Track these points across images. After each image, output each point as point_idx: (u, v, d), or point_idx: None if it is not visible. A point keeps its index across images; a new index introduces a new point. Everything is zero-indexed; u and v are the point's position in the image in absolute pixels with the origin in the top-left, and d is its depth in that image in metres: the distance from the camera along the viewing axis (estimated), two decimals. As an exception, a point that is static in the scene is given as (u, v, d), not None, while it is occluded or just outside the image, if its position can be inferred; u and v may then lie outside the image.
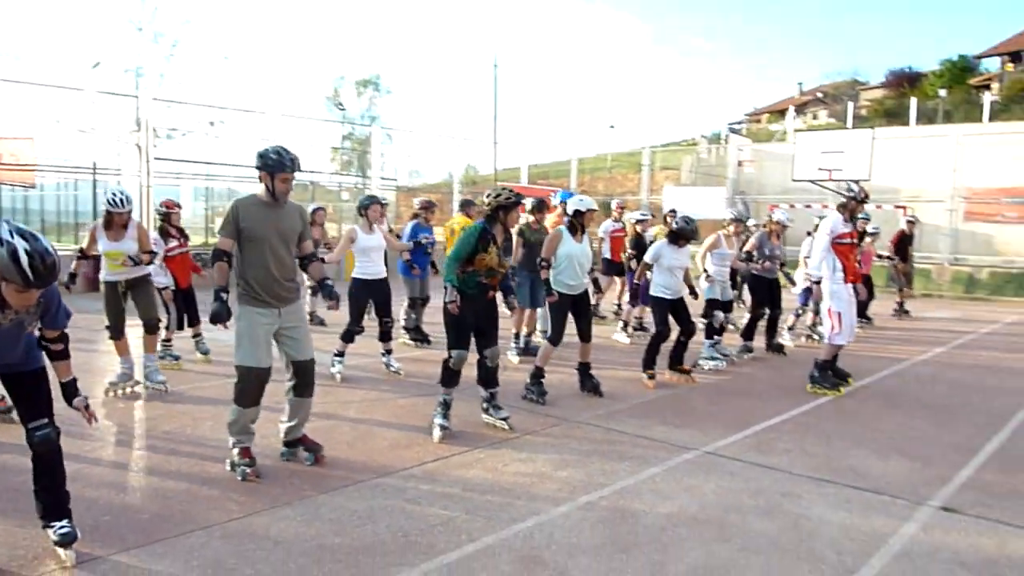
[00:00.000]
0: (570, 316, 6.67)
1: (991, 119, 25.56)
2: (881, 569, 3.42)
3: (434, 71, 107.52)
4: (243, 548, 3.51)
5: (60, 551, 3.36)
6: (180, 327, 7.83)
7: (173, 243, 7.77)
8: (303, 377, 4.64)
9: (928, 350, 9.74)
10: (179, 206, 8.45)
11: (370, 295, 7.32)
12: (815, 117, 58.23)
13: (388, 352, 7.50)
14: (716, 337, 8.34)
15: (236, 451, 4.48)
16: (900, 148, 19.41)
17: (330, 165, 36.97)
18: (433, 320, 10.34)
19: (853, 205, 7.16)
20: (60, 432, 3.43)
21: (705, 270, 8.43)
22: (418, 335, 9.18)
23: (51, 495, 3.42)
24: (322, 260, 5.17)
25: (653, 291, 7.40)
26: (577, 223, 6.71)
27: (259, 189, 4.47)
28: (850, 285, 7.14)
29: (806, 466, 4.87)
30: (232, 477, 4.43)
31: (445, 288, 5.32)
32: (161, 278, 7.52)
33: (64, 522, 3.39)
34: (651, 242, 9.05)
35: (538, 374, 6.53)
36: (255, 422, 4.55)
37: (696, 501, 4.21)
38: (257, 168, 4.40)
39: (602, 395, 6.63)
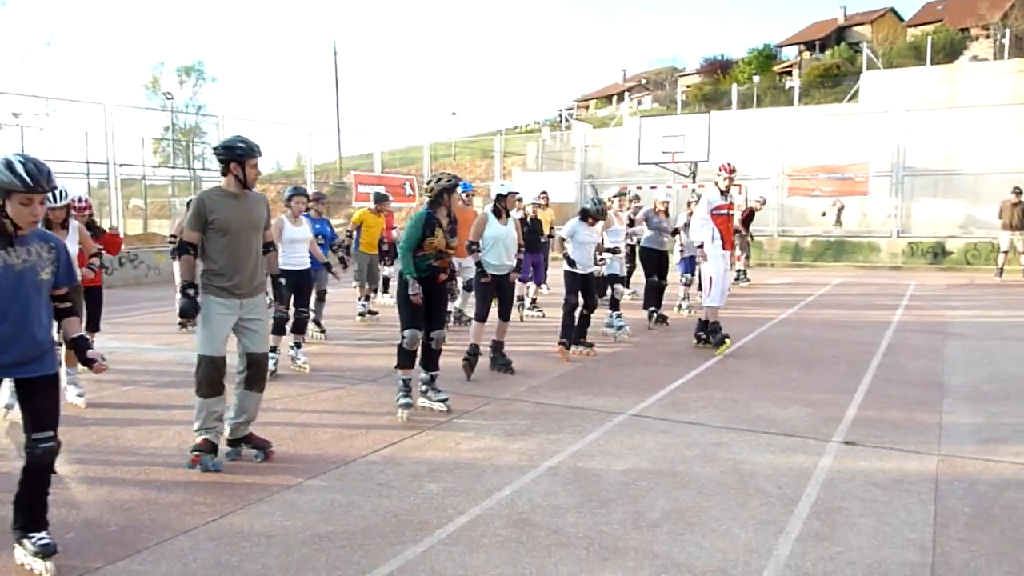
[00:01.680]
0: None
1: (795, 103, 28.44)
2: (816, 495, 3.99)
3: (269, 58, 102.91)
4: (238, 546, 3.50)
5: (38, 564, 3.22)
6: (95, 328, 7.29)
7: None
8: (257, 370, 4.63)
9: (781, 312, 10.90)
10: (88, 204, 7.78)
11: (293, 285, 7.17)
12: (639, 103, 61.50)
13: (297, 345, 7.43)
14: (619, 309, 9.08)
15: (198, 439, 4.48)
16: (730, 131, 21.17)
17: (152, 158, 34.73)
18: (334, 315, 10.27)
19: (723, 181, 8.02)
20: (61, 444, 3.30)
21: (607, 248, 8.99)
22: (317, 327, 9.09)
23: (35, 504, 3.29)
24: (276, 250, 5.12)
25: (568, 266, 7.84)
26: (501, 206, 7.05)
27: (221, 181, 4.51)
28: (726, 252, 8.02)
29: (722, 419, 5.46)
30: (189, 481, 4.33)
31: (405, 279, 5.51)
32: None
33: (43, 533, 3.28)
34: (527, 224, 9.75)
35: (473, 350, 6.88)
36: (223, 418, 4.55)
37: (644, 457, 4.64)
38: (223, 160, 4.41)
39: (513, 372, 6.96)
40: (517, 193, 7.28)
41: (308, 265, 7.53)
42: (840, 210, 20.74)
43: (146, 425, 5.51)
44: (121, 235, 7.87)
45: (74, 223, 5.96)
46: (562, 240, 7.95)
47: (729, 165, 8.08)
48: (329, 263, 8.71)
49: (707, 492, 4.07)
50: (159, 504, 4.03)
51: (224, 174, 4.46)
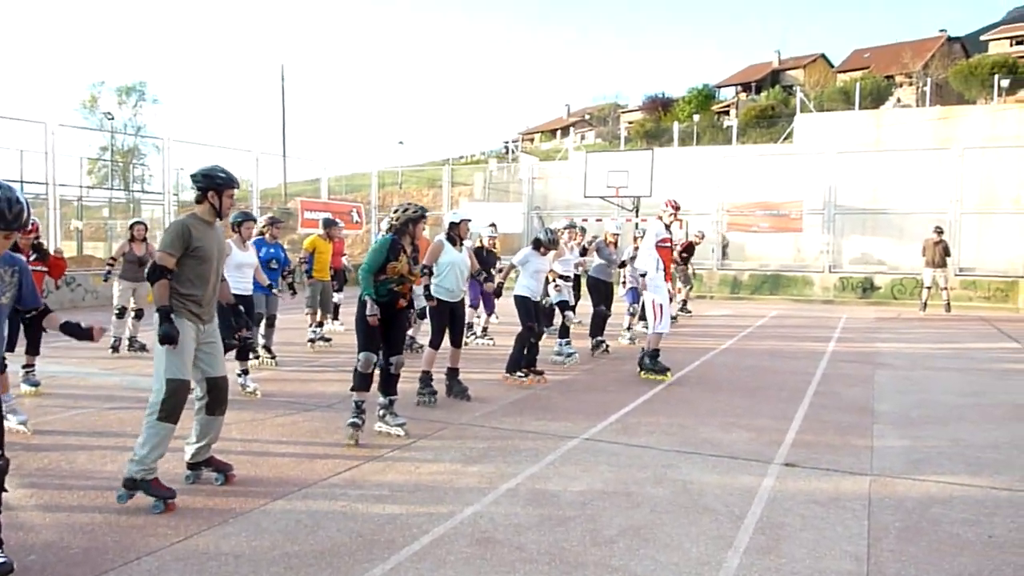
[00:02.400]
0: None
1: (734, 142, 29.56)
2: (761, 512, 4.24)
3: (212, 81, 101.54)
4: (205, 567, 3.55)
5: None
6: (35, 352, 7.17)
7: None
8: (217, 394, 4.65)
9: (722, 342, 11.32)
10: (35, 226, 7.68)
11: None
12: (583, 137, 62.78)
13: (245, 372, 7.40)
14: (568, 337, 9.38)
15: (149, 482, 4.30)
16: (671, 167, 21.88)
17: (87, 178, 33.87)
18: (284, 341, 10.25)
19: (668, 216, 8.42)
20: (9, 463, 3.29)
21: (555, 277, 9.33)
22: (267, 353, 9.07)
23: None
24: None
25: (519, 291, 8.12)
26: (455, 234, 7.21)
27: (195, 209, 4.57)
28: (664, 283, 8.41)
29: (671, 442, 5.71)
30: (146, 505, 4.33)
31: (364, 301, 5.63)
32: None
33: (0, 552, 3.28)
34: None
35: (426, 377, 7.01)
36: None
37: (598, 479, 4.84)
38: (201, 188, 4.46)
39: (470, 399, 7.10)
40: (469, 220, 7.45)
41: (251, 290, 7.70)
42: (724, 246, 21.39)
43: (98, 450, 5.46)
44: (65, 258, 7.75)
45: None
46: (511, 266, 8.17)
47: (675, 202, 8.49)
48: (272, 285, 8.77)
49: (660, 511, 4.28)
50: (120, 527, 4.03)
51: (199, 202, 4.51)
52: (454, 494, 4.55)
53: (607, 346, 10.14)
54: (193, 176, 4.54)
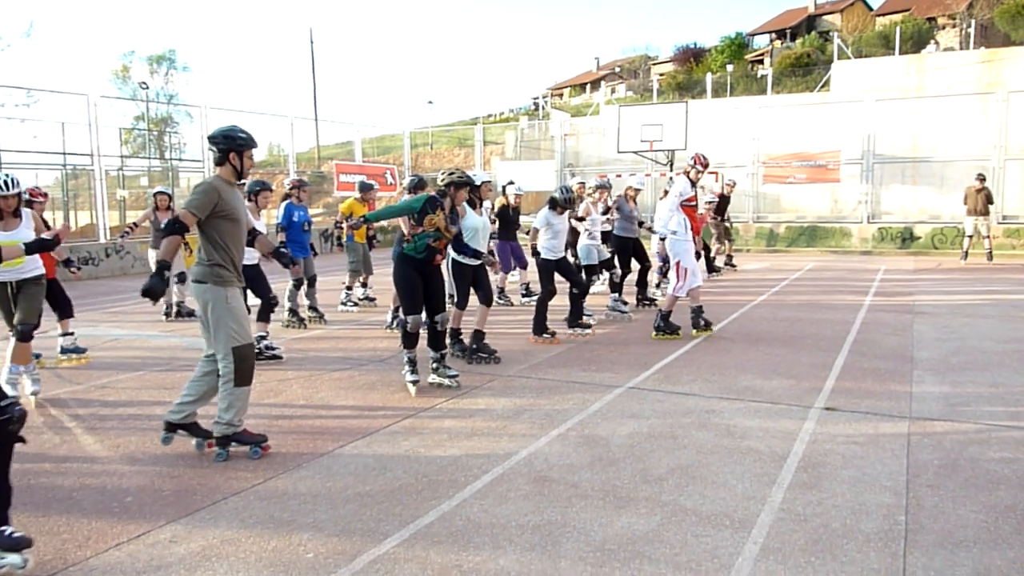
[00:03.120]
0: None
1: (768, 92, 29.03)
2: (803, 452, 4.44)
3: (240, 47, 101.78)
4: (287, 504, 3.87)
5: (13, 559, 3.15)
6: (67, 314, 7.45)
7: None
8: (241, 364, 4.54)
9: (760, 295, 11.41)
10: (44, 195, 8.06)
11: (249, 280, 6.95)
12: (613, 91, 61.94)
13: (262, 338, 7.42)
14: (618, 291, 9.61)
15: (240, 433, 4.58)
16: (705, 119, 21.66)
17: (124, 148, 34.41)
18: (329, 303, 10.56)
19: (692, 173, 8.17)
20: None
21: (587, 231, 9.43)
22: (315, 313, 9.39)
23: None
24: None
25: (543, 253, 8.09)
26: (475, 197, 7.15)
27: (218, 170, 4.55)
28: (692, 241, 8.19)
29: (712, 390, 5.91)
30: (210, 461, 4.63)
31: (402, 256, 5.98)
32: None
33: (9, 526, 3.21)
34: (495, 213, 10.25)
35: (454, 333, 7.25)
36: None
37: (644, 424, 5.07)
38: (222, 149, 4.45)
39: (499, 360, 7.04)
40: (490, 182, 7.44)
41: (256, 259, 7.46)
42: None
43: (170, 405, 5.83)
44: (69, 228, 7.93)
45: (27, 211, 6.01)
46: (536, 230, 8.14)
47: (703, 157, 8.25)
48: (311, 246, 9.17)
49: (705, 452, 4.50)
50: (203, 472, 4.38)
51: (220, 164, 4.50)
52: (508, 438, 4.82)
53: (652, 300, 10.36)
54: (212, 137, 4.50)
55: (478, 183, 7.18)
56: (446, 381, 6.10)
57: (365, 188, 10.67)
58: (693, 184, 8.17)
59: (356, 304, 10.67)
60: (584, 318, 8.56)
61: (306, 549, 3.35)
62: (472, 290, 7.28)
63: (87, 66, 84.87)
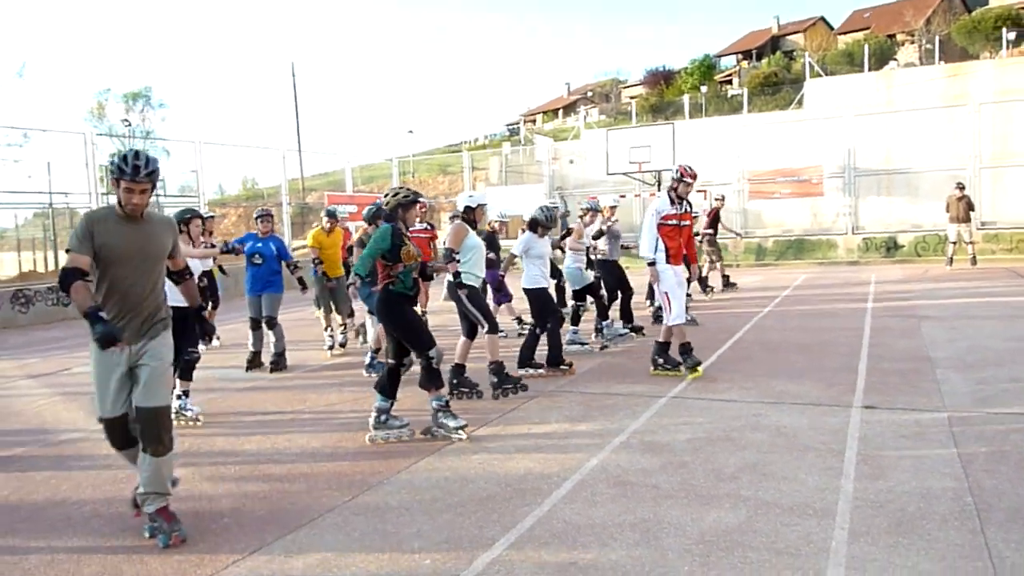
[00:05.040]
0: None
1: (739, 111, 29.81)
2: (857, 447, 4.71)
3: (225, 82, 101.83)
4: (384, 517, 4.04)
5: None
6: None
7: None
8: (147, 428, 3.83)
9: (764, 306, 11.78)
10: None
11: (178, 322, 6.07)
12: (587, 115, 62.92)
13: (185, 394, 6.38)
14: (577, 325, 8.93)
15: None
16: (686, 139, 22.20)
17: (100, 186, 34.33)
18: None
19: (680, 187, 7.21)
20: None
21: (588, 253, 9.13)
22: (276, 361, 8.50)
23: None
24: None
25: (531, 284, 7.48)
26: (471, 218, 6.89)
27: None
28: (673, 267, 7.15)
29: (752, 395, 6.18)
30: (303, 474, 4.82)
31: (392, 295, 5.44)
32: None
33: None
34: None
35: (460, 371, 6.71)
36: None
37: (699, 429, 5.31)
38: (113, 177, 3.78)
39: (527, 388, 6.80)
40: (485, 205, 7.08)
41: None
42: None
43: (225, 431, 5.97)
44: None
45: None
46: (512, 257, 7.64)
47: (689, 169, 7.25)
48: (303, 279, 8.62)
49: (765, 451, 4.75)
50: (289, 493, 4.53)
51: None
52: (573, 449, 5.03)
53: (639, 328, 9.75)
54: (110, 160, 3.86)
55: (474, 205, 6.90)
56: (454, 435, 5.42)
57: (329, 215, 9.68)
58: (680, 201, 7.22)
59: (342, 345, 9.67)
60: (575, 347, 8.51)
61: (421, 557, 3.53)
62: (460, 319, 6.85)
63: (60, 105, 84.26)
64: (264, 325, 8.48)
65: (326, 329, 9.65)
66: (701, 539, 3.53)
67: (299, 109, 66.29)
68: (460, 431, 5.41)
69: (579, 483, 4.37)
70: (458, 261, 6.53)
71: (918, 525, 3.55)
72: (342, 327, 9.77)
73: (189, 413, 6.32)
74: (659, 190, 20.75)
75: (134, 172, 3.70)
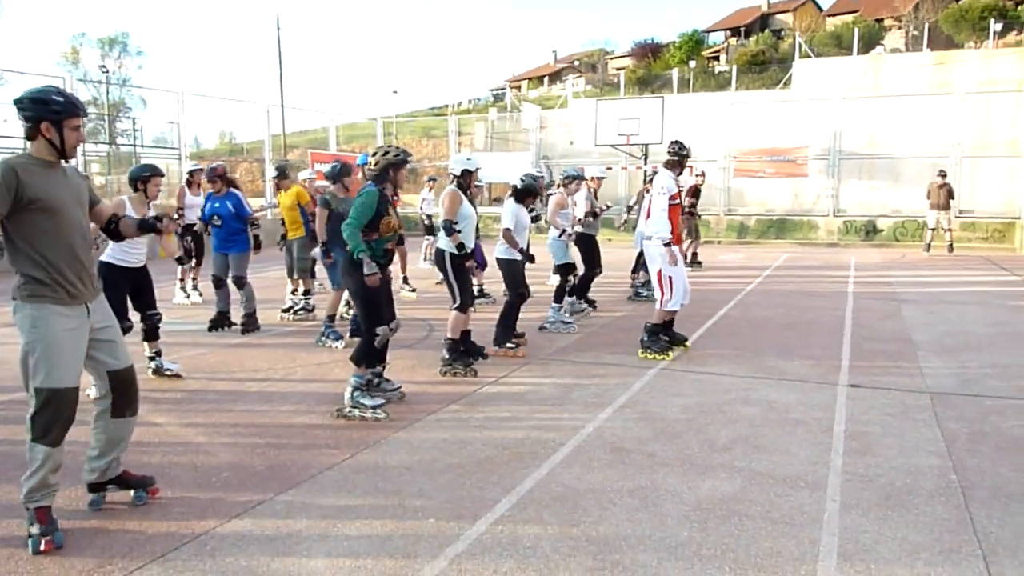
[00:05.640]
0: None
1: (725, 88, 29.81)
2: (845, 424, 4.85)
3: (205, 33, 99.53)
4: (386, 476, 4.09)
5: None
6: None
7: None
8: (126, 390, 3.65)
9: (747, 284, 11.93)
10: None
11: (129, 284, 6.04)
12: (575, 84, 62.44)
13: (158, 354, 6.33)
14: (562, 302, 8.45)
15: (31, 512, 3.34)
16: (674, 114, 22.20)
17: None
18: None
19: (678, 162, 7.08)
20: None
21: (563, 229, 8.38)
22: (248, 321, 8.19)
23: None
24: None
25: (506, 254, 7.13)
26: (466, 183, 6.54)
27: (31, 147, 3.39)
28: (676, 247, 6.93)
29: (741, 370, 6.30)
30: (302, 431, 4.85)
31: (357, 258, 5.06)
32: None
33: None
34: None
35: (456, 347, 6.39)
36: (59, 471, 3.42)
37: (691, 400, 5.42)
38: (30, 118, 3.33)
39: (486, 357, 6.71)
40: (479, 169, 6.70)
41: (144, 261, 6.13)
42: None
43: (218, 387, 5.97)
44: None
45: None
46: (509, 230, 7.12)
47: (684, 145, 7.14)
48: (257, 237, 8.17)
49: (757, 424, 4.87)
50: (286, 449, 4.56)
51: (32, 138, 3.36)
52: (568, 416, 5.11)
53: (594, 306, 9.51)
54: (17, 101, 3.36)
55: (472, 169, 6.56)
56: (368, 414, 5.13)
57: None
58: (677, 176, 7.03)
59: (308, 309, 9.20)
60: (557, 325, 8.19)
61: (424, 515, 3.59)
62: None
63: (31, 48, 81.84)
64: (233, 284, 8.13)
65: (292, 292, 9.35)
66: (698, 506, 3.63)
67: (283, 64, 65.05)
68: (377, 410, 5.12)
69: (576, 449, 4.45)
70: (459, 232, 6.22)
71: (905, 499, 3.68)
72: (293, 292, 9.32)
73: (170, 371, 6.28)
74: (645, 163, 20.78)
75: (80, 106, 3.43)
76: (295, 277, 9.29)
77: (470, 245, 6.40)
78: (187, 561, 3.19)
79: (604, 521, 3.48)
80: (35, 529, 3.30)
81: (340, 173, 7.55)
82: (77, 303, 3.42)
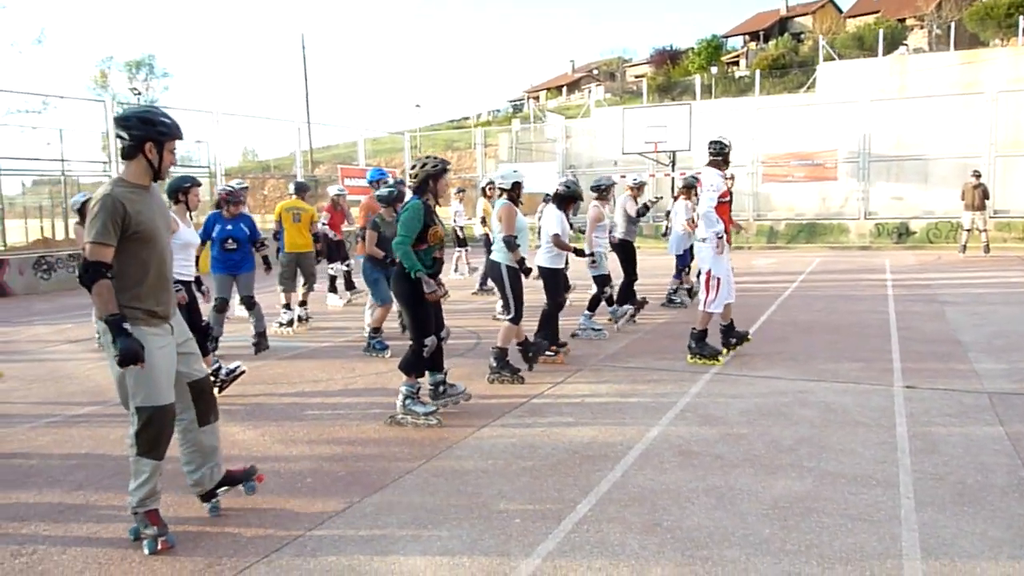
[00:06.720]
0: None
1: (746, 93, 29.79)
2: (907, 424, 4.92)
3: (230, 54, 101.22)
4: (464, 479, 4.24)
5: None
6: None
7: None
8: (207, 399, 3.81)
9: (785, 288, 11.97)
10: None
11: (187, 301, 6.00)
12: (590, 93, 62.55)
13: (217, 369, 6.35)
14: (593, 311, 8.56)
15: (142, 516, 3.53)
16: (699, 120, 22.27)
17: (101, 154, 34.26)
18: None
19: (723, 160, 7.01)
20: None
21: (591, 253, 8.25)
22: (258, 341, 7.90)
23: None
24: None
25: (549, 263, 7.19)
26: (516, 195, 6.69)
27: (123, 171, 3.54)
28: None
29: (794, 373, 6.38)
30: (373, 439, 5.01)
31: (415, 277, 5.15)
32: None
33: None
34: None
35: (502, 355, 6.49)
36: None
37: (749, 403, 5.51)
38: (136, 137, 3.43)
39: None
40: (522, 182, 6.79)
41: (193, 275, 6.26)
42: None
43: (291, 398, 6.16)
44: None
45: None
46: (557, 236, 7.10)
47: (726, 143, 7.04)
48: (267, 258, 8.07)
49: (818, 426, 4.96)
50: (364, 457, 4.72)
51: (130, 157, 3.46)
52: (631, 420, 5.23)
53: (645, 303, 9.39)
54: (122, 119, 3.47)
55: (520, 180, 6.73)
56: (421, 421, 5.30)
57: (302, 189, 9.69)
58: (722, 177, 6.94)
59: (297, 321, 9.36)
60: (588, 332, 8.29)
61: (509, 515, 3.73)
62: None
63: (61, 74, 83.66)
64: (242, 305, 7.91)
65: (286, 306, 9.38)
66: (775, 505, 3.73)
67: (308, 81, 65.82)
68: (430, 417, 5.26)
69: (645, 452, 4.56)
70: (519, 246, 6.33)
71: (979, 496, 3.76)
72: (286, 305, 9.40)
73: (237, 370, 6.42)
74: (673, 170, 20.87)
75: (180, 130, 3.56)
76: (281, 289, 9.41)
77: (524, 255, 6.49)
78: (291, 560, 3.35)
79: (685, 520, 3.59)
80: (151, 531, 3.50)
81: (396, 199, 7.66)
82: (164, 322, 3.57)
